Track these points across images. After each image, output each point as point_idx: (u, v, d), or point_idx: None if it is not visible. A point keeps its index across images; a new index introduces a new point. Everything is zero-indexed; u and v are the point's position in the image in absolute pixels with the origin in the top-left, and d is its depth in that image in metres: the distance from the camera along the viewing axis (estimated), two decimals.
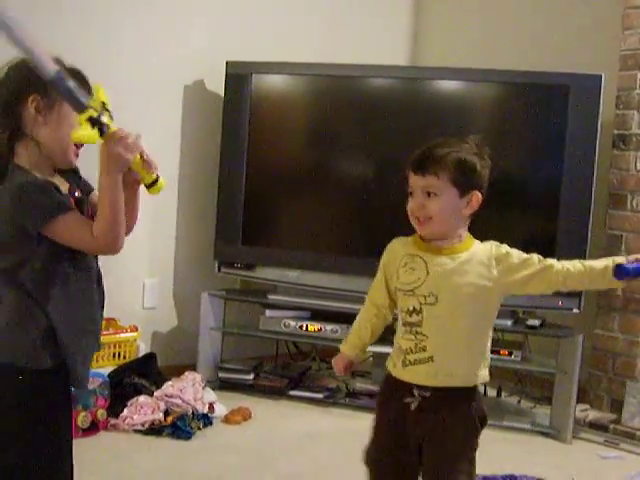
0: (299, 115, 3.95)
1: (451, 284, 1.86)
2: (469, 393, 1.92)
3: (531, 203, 3.60)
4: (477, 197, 1.90)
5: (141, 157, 1.75)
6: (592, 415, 3.69)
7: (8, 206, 1.68)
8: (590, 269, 1.87)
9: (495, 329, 3.63)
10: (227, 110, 3.83)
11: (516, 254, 1.92)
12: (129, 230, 1.79)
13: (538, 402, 3.89)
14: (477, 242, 1.94)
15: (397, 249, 1.98)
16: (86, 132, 1.64)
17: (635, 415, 3.53)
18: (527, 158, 3.70)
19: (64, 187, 1.78)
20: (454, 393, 1.89)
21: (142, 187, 1.82)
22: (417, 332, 1.88)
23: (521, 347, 3.67)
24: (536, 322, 3.61)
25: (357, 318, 2.08)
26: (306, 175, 3.90)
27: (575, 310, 3.50)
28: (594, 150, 3.44)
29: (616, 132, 3.77)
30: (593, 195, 3.46)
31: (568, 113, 3.45)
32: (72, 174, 1.84)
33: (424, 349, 1.87)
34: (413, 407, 1.90)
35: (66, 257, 1.74)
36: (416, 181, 1.88)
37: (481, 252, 1.91)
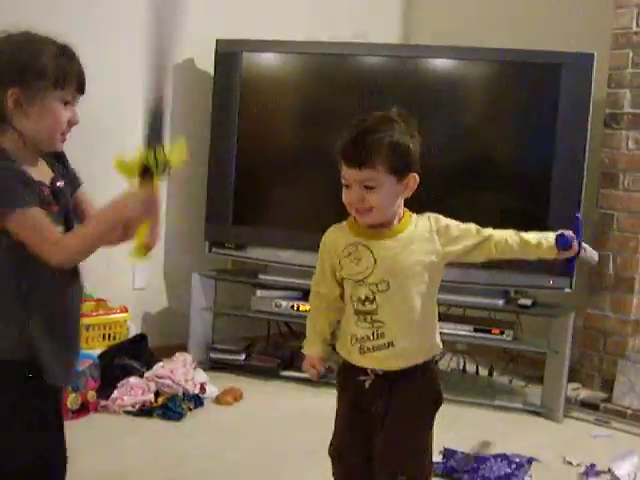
0: (290, 94, 3.92)
1: (401, 267, 1.84)
2: (424, 367, 1.91)
3: (522, 182, 3.59)
4: (414, 179, 1.88)
5: (150, 229, 1.70)
6: (583, 394, 3.70)
7: None
8: (526, 243, 1.90)
9: (486, 308, 3.67)
10: (217, 89, 3.80)
11: (454, 225, 1.91)
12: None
13: (530, 381, 3.90)
14: (414, 216, 1.91)
15: (336, 239, 1.94)
16: (130, 165, 1.60)
17: (626, 394, 3.54)
18: (518, 136, 3.68)
19: (47, 176, 1.72)
20: (408, 368, 1.88)
21: None
22: (373, 320, 1.85)
23: (512, 326, 3.67)
24: (527, 301, 3.61)
25: (309, 315, 2.05)
26: (297, 154, 3.88)
27: (567, 289, 3.50)
28: (586, 129, 3.42)
29: (608, 111, 3.76)
30: (585, 174, 3.44)
31: (560, 91, 3.43)
32: (59, 162, 1.78)
33: (382, 335, 1.85)
34: (367, 385, 1.89)
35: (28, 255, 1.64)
36: (352, 175, 1.81)
37: (421, 227, 1.89)
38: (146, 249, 1.74)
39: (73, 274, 1.76)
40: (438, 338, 1.94)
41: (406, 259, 1.84)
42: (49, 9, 3.31)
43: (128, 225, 1.68)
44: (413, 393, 1.89)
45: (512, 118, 3.70)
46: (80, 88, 1.70)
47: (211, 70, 3.82)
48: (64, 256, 1.64)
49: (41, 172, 1.72)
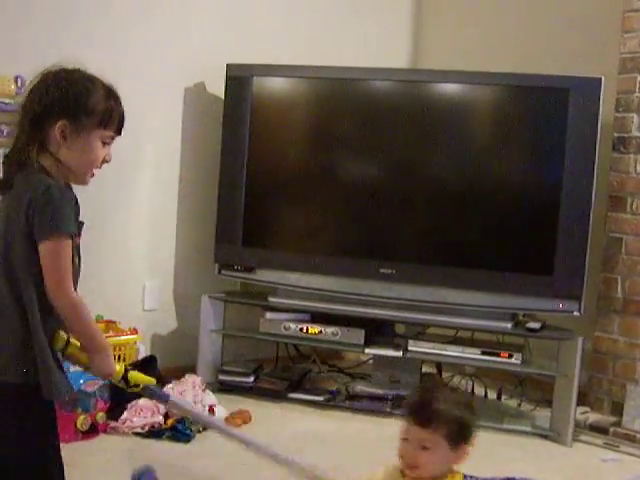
0: (300, 117, 3.95)
1: None
2: None
3: (531, 205, 3.60)
4: (466, 451, 1.97)
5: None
6: (592, 418, 3.69)
7: (28, 205, 1.69)
8: None
9: (495, 331, 3.67)
10: (227, 112, 3.83)
11: None
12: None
13: (538, 405, 3.88)
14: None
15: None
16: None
17: (635, 418, 3.53)
18: (527, 160, 3.70)
19: None
20: None
21: None
22: None
23: (521, 350, 3.67)
24: (536, 325, 3.61)
25: None
26: (306, 178, 3.90)
27: (575, 313, 3.49)
28: (594, 153, 3.43)
29: (616, 135, 3.77)
30: (593, 197, 3.45)
31: (568, 116, 3.44)
32: None
33: None
34: None
35: None
36: (414, 433, 1.92)
37: None
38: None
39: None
40: None
41: None
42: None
43: (95, 349, 1.81)
44: None
45: (520, 142, 3.71)
46: (119, 129, 1.83)
47: (222, 94, 3.85)
48: (63, 299, 1.72)
49: None
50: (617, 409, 3.68)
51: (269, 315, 3.84)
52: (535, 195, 3.61)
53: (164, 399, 2.02)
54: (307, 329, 3.78)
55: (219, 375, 3.85)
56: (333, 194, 3.86)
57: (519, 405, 3.94)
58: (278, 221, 3.95)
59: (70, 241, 1.72)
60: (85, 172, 1.81)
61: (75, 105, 1.73)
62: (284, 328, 3.80)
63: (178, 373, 3.57)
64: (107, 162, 1.83)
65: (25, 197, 1.70)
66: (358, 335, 3.73)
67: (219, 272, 3.89)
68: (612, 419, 3.66)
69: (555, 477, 2.99)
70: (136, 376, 1.92)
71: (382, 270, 3.66)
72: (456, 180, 3.69)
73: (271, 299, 3.85)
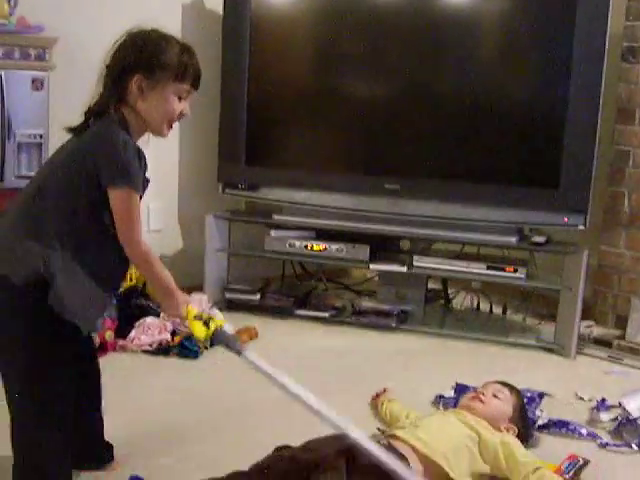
0: (301, 31, 3.87)
1: None
2: None
3: (537, 118, 3.54)
4: (512, 433, 2.36)
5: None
6: (596, 331, 3.72)
7: (97, 149, 1.83)
8: None
9: (500, 246, 3.67)
10: (227, 28, 3.76)
11: None
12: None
13: (543, 319, 3.92)
14: None
15: None
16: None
17: (639, 331, 3.55)
18: (533, 72, 3.62)
19: None
20: None
21: None
22: None
23: (526, 264, 3.67)
24: (541, 239, 3.60)
25: None
26: (309, 94, 3.84)
27: (580, 226, 3.47)
28: (602, 63, 3.36)
29: (625, 45, 3.70)
30: (600, 109, 3.39)
31: (576, 25, 3.36)
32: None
33: None
34: None
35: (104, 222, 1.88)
36: (494, 385, 2.49)
37: None
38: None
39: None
40: None
41: None
42: None
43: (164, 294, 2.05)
44: None
45: (527, 53, 3.63)
46: (195, 84, 1.98)
47: (220, 10, 3.77)
48: (133, 253, 1.91)
49: None
50: (621, 323, 3.71)
51: (274, 233, 3.84)
52: (542, 107, 3.55)
53: (238, 352, 2.09)
54: (312, 246, 3.79)
55: (225, 293, 3.87)
56: (337, 110, 3.81)
57: (524, 320, 3.97)
58: (281, 139, 3.92)
59: (138, 194, 1.87)
60: (161, 123, 1.94)
61: (150, 60, 1.87)
62: (289, 245, 3.80)
63: (185, 292, 3.58)
64: (184, 116, 1.97)
65: (101, 143, 1.84)
66: (363, 251, 3.73)
67: (223, 191, 3.88)
68: (616, 332, 3.69)
69: (558, 388, 3.02)
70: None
71: (387, 186, 3.64)
72: (461, 94, 3.63)
73: (276, 217, 3.85)
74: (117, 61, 1.90)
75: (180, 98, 1.95)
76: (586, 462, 2.36)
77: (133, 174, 1.84)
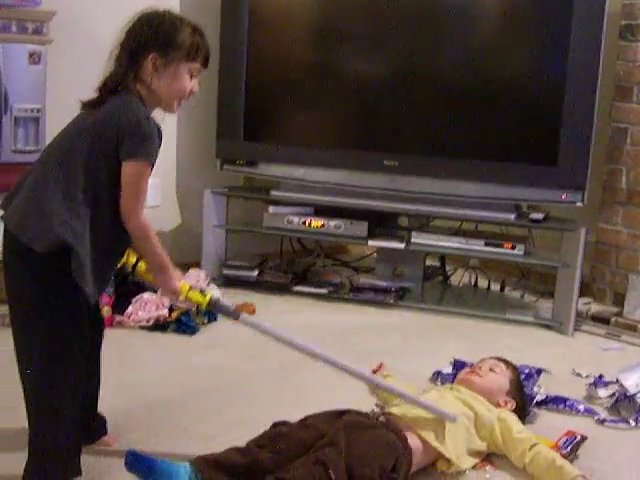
0: (299, 7, 3.84)
1: None
2: None
3: (535, 95, 3.52)
4: (509, 408, 2.39)
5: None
6: (594, 308, 3.73)
7: (121, 122, 1.89)
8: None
9: (498, 222, 3.67)
10: (225, 4, 3.72)
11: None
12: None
13: (541, 296, 3.92)
14: None
15: None
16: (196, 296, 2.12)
17: (637, 308, 3.56)
18: (531, 49, 3.60)
19: None
20: None
21: None
22: None
23: (524, 241, 3.68)
24: (539, 216, 3.60)
25: None
26: (308, 70, 3.83)
27: (579, 203, 3.47)
28: (600, 41, 3.34)
29: (623, 22, 3.68)
30: (598, 87, 3.38)
31: (574, 2, 3.34)
32: None
33: None
34: None
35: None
36: (490, 360, 2.52)
37: None
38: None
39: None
40: None
41: None
42: None
43: (157, 270, 2.07)
44: None
45: (524, 30, 3.61)
46: (205, 63, 2.05)
47: None
48: (134, 226, 1.94)
49: None
50: (619, 300, 3.71)
51: (272, 209, 3.83)
52: (540, 85, 3.53)
53: (234, 316, 2.15)
54: (310, 222, 3.78)
55: (223, 269, 3.87)
56: (335, 87, 3.79)
57: (522, 297, 3.98)
58: (279, 115, 3.90)
59: (150, 169, 1.92)
60: (172, 100, 2.03)
61: (165, 40, 1.95)
62: (287, 222, 3.79)
63: (183, 268, 3.57)
64: (193, 93, 2.04)
65: (125, 116, 1.90)
66: (361, 227, 3.73)
67: (221, 167, 3.87)
68: (614, 309, 3.70)
69: (556, 365, 3.03)
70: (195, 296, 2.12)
71: (385, 162, 3.63)
72: (460, 71, 3.61)
73: (274, 193, 3.84)
74: (133, 39, 1.97)
75: (191, 76, 2.03)
76: (583, 438, 2.37)
77: (153, 148, 1.92)
